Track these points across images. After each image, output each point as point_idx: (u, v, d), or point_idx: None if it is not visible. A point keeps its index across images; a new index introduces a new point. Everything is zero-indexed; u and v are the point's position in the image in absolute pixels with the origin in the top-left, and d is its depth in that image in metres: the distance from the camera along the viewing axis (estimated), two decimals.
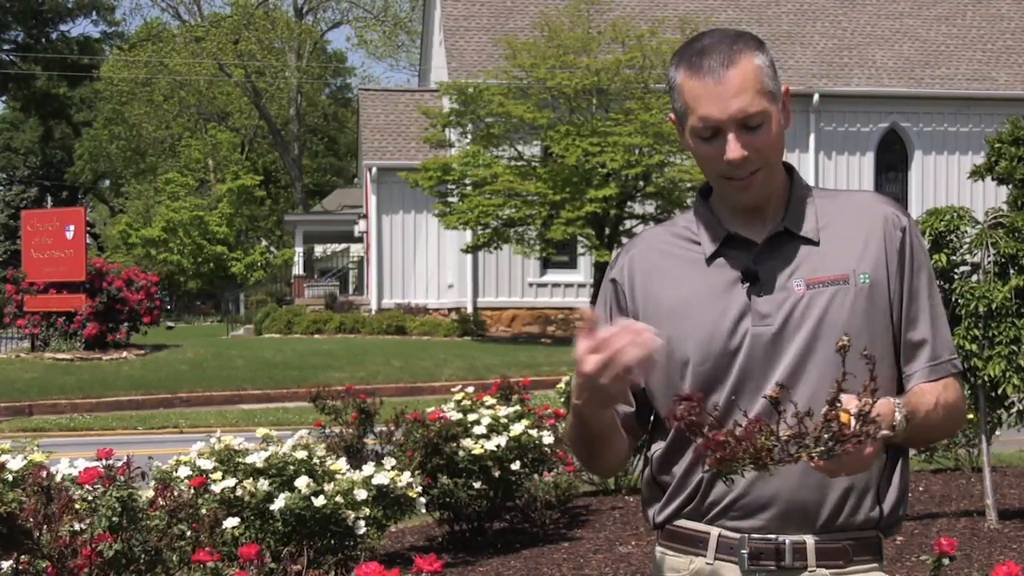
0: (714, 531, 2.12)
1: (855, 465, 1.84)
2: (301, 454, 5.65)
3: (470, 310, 28.20)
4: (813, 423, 1.80)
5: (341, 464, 5.80)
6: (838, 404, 1.79)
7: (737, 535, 2.10)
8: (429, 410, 7.12)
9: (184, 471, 5.53)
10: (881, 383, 2.03)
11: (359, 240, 36.53)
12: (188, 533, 4.31)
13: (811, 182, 2.26)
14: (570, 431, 2.16)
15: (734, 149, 2.04)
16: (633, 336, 1.89)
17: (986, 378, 6.84)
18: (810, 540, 2.08)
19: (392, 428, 7.09)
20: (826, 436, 1.78)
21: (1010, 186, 7.72)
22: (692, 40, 2.15)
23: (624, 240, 23.45)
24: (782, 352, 2.07)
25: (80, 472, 4.16)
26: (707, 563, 2.13)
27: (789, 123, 2.16)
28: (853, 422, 1.78)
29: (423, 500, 6.22)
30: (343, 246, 45.35)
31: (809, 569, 2.08)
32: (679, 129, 2.17)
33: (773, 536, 2.08)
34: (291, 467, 5.57)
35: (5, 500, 3.66)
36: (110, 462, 4.10)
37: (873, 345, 2.09)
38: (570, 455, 7.92)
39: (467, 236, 26.35)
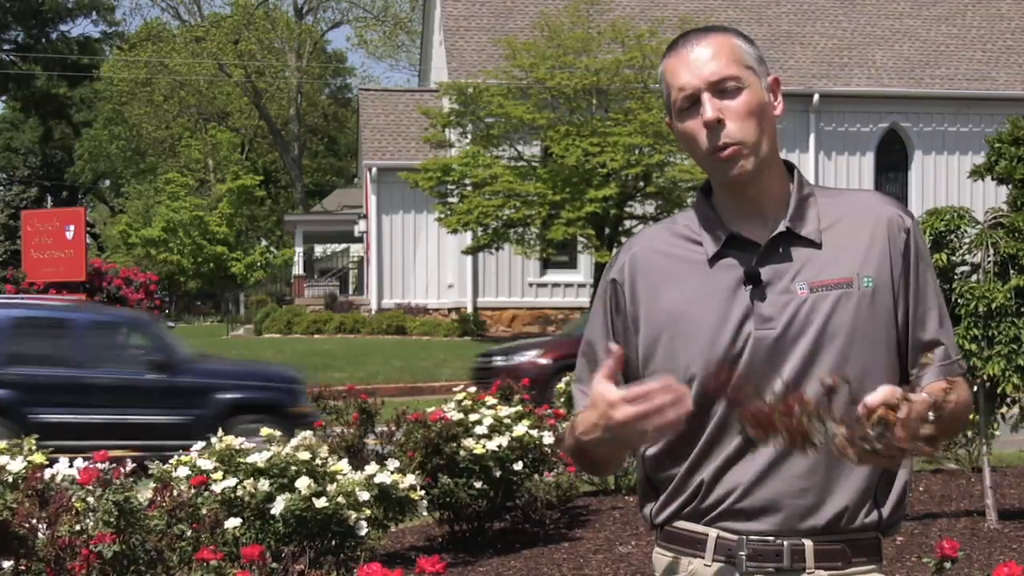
0: (712, 532, 2.11)
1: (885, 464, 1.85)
2: (304, 455, 5.65)
3: (470, 310, 28.20)
4: (857, 415, 1.77)
5: (343, 465, 5.80)
6: (896, 412, 1.77)
7: (735, 537, 2.09)
8: (430, 410, 7.13)
9: (183, 471, 5.53)
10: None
11: (359, 240, 36.53)
12: (188, 533, 4.30)
13: (811, 182, 2.25)
14: (570, 451, 2.15)
15: (709, 109, 2.05)
16: (675, 397, 1.85)
17: (986, 377, 6.84)
18: (808, 542, 2.07)
19: (393, 428, 7.10)
20: (873, 434, 1.77)
21: (1010, 186, 7.71)
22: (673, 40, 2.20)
23: (624, 240, 23.43)
24: (785, 356, 2.06)
25: (79, 472, 4.16)
26: (705, 564, 2.11)
27: (780, 112, 2.15)
28: (902, 431, 1.77)
29: (424, 502, 6.22)
30: (343, 246, 45.34)
31: (807, 571, 2.07)
32: (671, 125, 2.18)
33: (772, 538, 2.07)
34: (293, 468, 5.57)
35: None
36: (107, 464, 4.10)
37: (876, 348, 2.08)
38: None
39: (467, 237, 26.35)
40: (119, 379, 11.56)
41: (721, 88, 2.07)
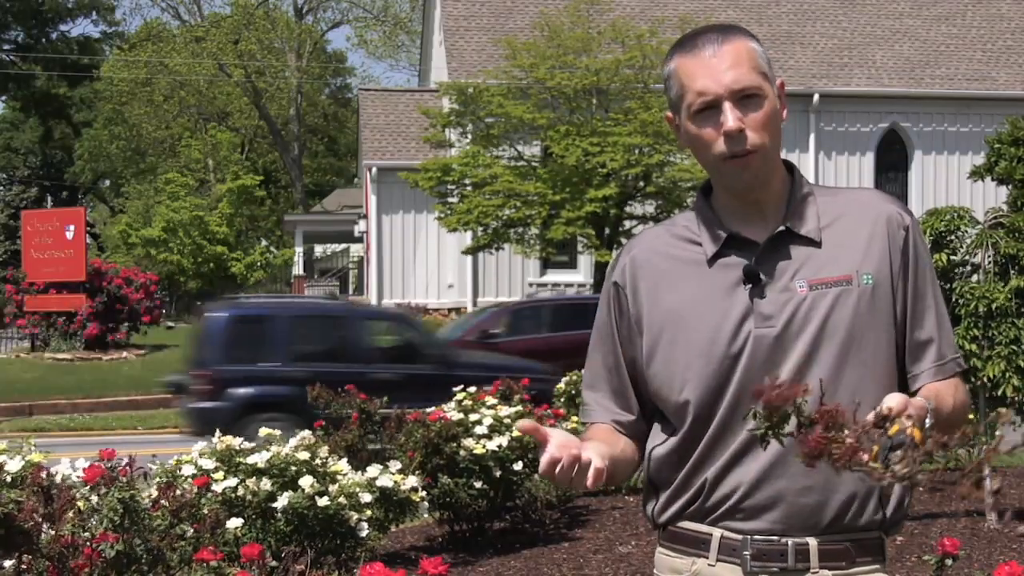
0: (716, 532, 2.11)
1: None
2: (304, 455, 5.65)
3: (470, 310, 28.17)
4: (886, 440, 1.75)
5: (343, 465, 5.81)
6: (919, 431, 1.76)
7: (739, 536, 2.09)
8: (430, 410, 7.13)
9: (188, 470, 5.53)
10: (882, 384, 2.03)
11: (359, 240, 36.52)
12: (189, 533, 4.31)
13: (811, 182, 2.26)
14: None
15: (731, 119, 2.04)
16: (566, 465, 1.95)
17: (986, 379, 6.84)
18: (813, 541, 2.07)
19: (393, 428, 7.10)
20: (914, 456, 1.74)
21: (1010, 186, 7.71)
22: (684, 35, 2.17)
23: (624, 240, 23.45)
24: (785, 354, 2.06)
25: (84, 469, 4.17)
26: (709, 564, 2.12)
27: (784, 116, 2.15)
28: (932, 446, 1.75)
29: (426, 504, 6.23)
30: (343, 246, 45.35)
31: (812, 570, 2.07)
32: (674, 125, 2.17)
33: (776, 538, 2.07)
34: (293, 467, 5.58)
35: (2, 501, 3.66)
36: (112, 463, 4.10)
37: (876, 345, 2.09)
38: None
39: (467, 237, 26.36)
40: (401, 373, 11.66)
41: (741, 96, 2.06)
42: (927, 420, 1.82)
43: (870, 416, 1.74)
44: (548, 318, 16.42)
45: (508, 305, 18.83)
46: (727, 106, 2.05)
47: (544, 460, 1.95)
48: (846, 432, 1.70)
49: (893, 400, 1.77)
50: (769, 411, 1.75)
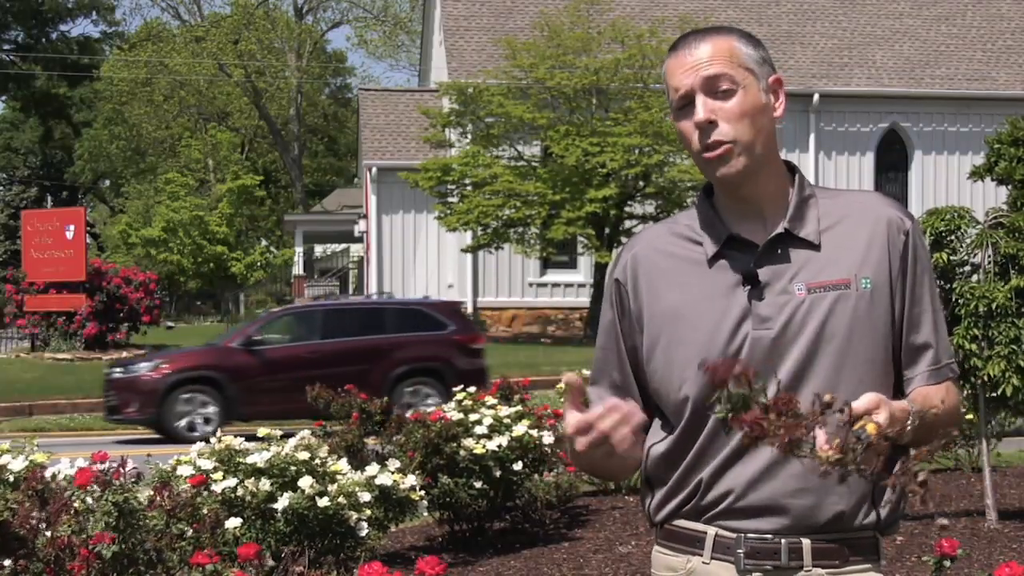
0: (711, 531, 2.12)
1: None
2: (303, 455, 5.65)
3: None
4: (847, 431, 1.75)
5: (342, 465, 5.80)
6: (880, 430, 1.76)
7: (733, 535, 2.10)
8: (430, 410, 7.13)
9: (184, 470, 5.53)
10: (878, 387, 2.03)
11: (359, 240, 36.53)
12: (189, 533, 4.31)
13: (812, 182, 2.25)
14: (576, 465, 2.25)
15: (701, 111, 2.07)
16: (619, 416, 1.99)
17: (986, 378, 6.84)
18: (806, 541, 2.08)
19: (393, 428, 7.10)
20: (858, 453, 1.73)
21: (1010, 187, 7.71)
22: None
23: (624, 240, 23.46)
24: (783, 357, 2.06)
25: (77, 472, 4.16)
26: (703, 562, 2.13)
27: (780, 113, 2.15)
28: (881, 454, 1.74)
29: (425, 503, 6.22)
30: (343, 246, 45.34)
31: (805, 569, 2.08)
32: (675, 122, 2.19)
33: (769, 536, 2.08)
34: (293, 468, 5.57)
35: None
36: (105, 466, 4.10)
37: (874, 349, 2.09)
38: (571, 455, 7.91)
39: (467, 237, 26.37)
40: None
41: (715, 89, 2.08)
42: (908, 422, 1.82)
43: (842, 416, 1.76)
44: (321, 324, 15.44)
45: (277, 310, 18.28)
46: (699, 99, 2.08)
47: (570, 421, 2.01)
48: (800, 419, 1.72)
49: (865, 399, 1.80)
50: (714, 387, 1.77)
